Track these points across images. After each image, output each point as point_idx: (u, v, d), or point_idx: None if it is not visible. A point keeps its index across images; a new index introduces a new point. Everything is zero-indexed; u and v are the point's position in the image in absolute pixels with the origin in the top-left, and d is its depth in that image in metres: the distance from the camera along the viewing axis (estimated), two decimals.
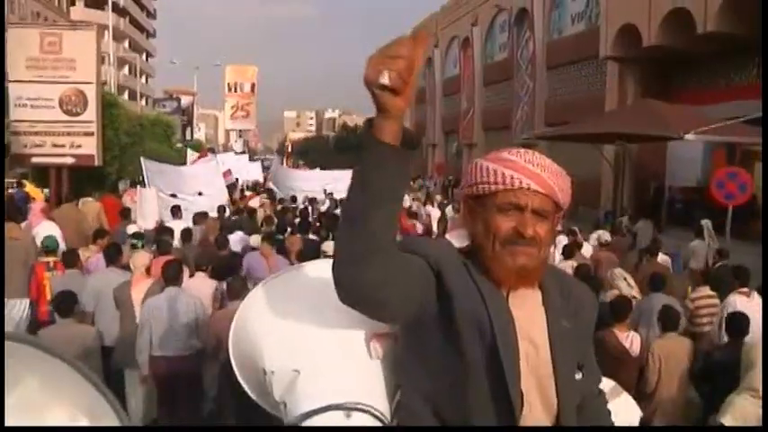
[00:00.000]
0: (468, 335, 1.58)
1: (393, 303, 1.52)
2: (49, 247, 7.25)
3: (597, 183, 20.37)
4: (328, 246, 7.50)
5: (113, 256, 6.72)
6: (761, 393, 4.17)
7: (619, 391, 2.67)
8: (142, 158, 14.64)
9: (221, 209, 12.34)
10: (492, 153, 1.72)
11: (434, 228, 13.43)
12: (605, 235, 9.97)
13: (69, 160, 13.99)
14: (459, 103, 34.37)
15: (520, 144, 26.30)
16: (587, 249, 9.45)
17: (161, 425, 5.52)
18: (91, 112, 13.73)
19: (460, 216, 1.88)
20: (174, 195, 12.74)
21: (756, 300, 6.20)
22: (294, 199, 16.16)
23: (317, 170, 23.76)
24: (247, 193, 18.07)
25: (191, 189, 13.81)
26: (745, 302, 6.08)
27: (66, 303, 5.46)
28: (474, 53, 32.04)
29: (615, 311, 5.40)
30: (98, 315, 6.03)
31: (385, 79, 1.28)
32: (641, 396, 5.03)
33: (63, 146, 13.89)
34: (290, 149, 30.51)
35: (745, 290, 6.33)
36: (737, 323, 5.11)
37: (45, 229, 8.16)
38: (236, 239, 9.23)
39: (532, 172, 1.62)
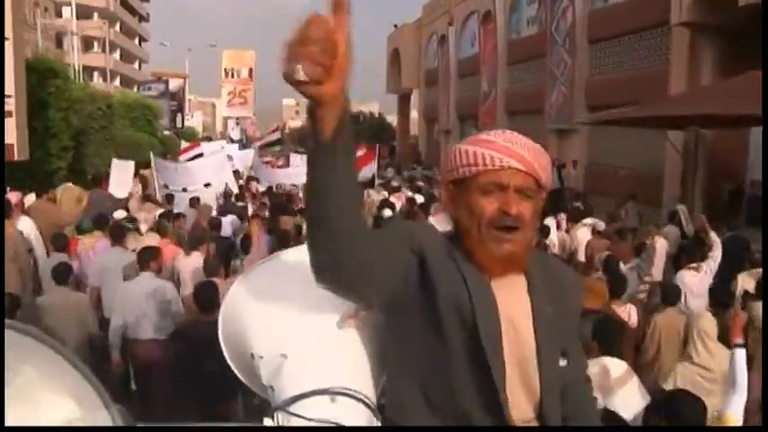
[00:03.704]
0: (450, 321, 1.58)
1: (371, 288, 1.54)
2: (85, 228, 8.14)
3: (658, 176, 16.99)
4: None
5: (118, 236, 7.25)
6: (694, 360, 4.89)
7: (631, 373, 3.83)
8: (152, 156, 14.34)
9: (226, 193, 13.00)
10: (470, 137, 1.73)
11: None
12: (600, 224, 9.99)
13: None
14: (478, 84, 30.77)
15: (555, 130, 23.10)
16: (584, 235, 9.58)
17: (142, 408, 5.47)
18: (7, 83, 9.25)
19: (443, 201, 1.88)
20: (185, 190, 13.01)
21: (702, 272, 6.79)
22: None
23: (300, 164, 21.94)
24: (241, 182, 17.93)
25: (200, 181, 13.82)
26: (691, 276, 6.77)
27: (63, 272, 6.01)
28: (497, 28, 28.43)
29: (611, 289, 5.85)
30: (102, 290, 6.61)
31: (300, 75, 1.18)
32: (639, 366, 5.34)
33: None
34: (273, 139, 27.39)
35: (694, 265, 6.94)
36: (722, 294, 5.94)
37: (23, 224, 8.03)
38: (227, 222, 9.85)
39: (512, 150, 1.63)
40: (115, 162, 14.06)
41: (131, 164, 14.18)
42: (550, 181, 1.72)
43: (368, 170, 15.89)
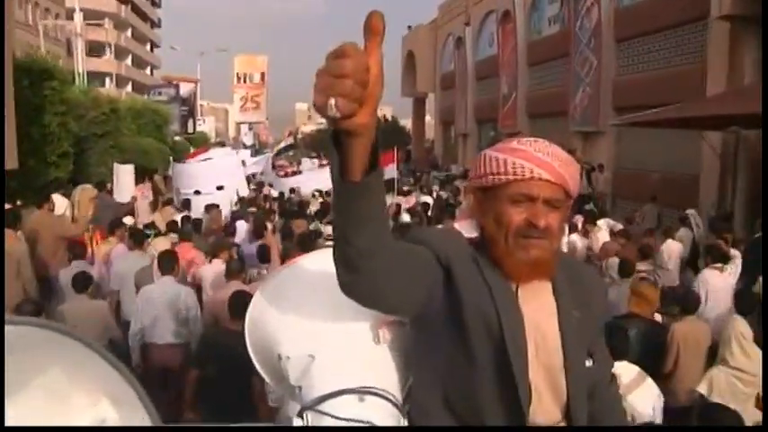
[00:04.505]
0: (476, 331, 1.58)
1: (395, 301, 1.53)
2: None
3: (694, 179, 16.02)
4: (329, 229, 7.83)
5: (138, 240, 7.44)
6: (730, 363, 4.75)
7: (643, 376, 3.79)
8: (172, 161, 13.91)
9: (242, 199, 12.96)
10: (500, 143, 1.71)
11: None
12: (616, 226, 10.02)
13: None
14: (497, 86, 29.84)
15: (580, 133, 22.14)
16: (604, 236, 9.57)
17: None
18: None
19: (470, 207, 1.87)
20: (197, 192, 12.80)
21: (726, 273, 7.00)
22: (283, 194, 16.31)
23: (316, 169, 22.24)
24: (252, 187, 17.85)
25: (212, 184, 13.56)
26: (716, 276, 6.92)
27: (81, 281, 5.99)
28: (517, 28, 27.49)
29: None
30: (122, 294, 6.83)
31: (332, 111, 1.12)
32: (659, 377, 5.14)
33: None
34: (284, 145, 27.17)
35: (718, 265, 7.07)
36: (746, 299, 5.62)
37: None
38: (241, 227, 9.68)
39: (543, 161, 1.61)
40: (117, 167, 13.88)
41: (131, 168, 14.01)
42: (578, 189, 1.69)
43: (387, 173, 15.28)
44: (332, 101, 1.11)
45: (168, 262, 6.09)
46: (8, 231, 7.24)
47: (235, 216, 10.83)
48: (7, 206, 9.04)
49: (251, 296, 5.19)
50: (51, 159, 12.05)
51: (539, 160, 1.61)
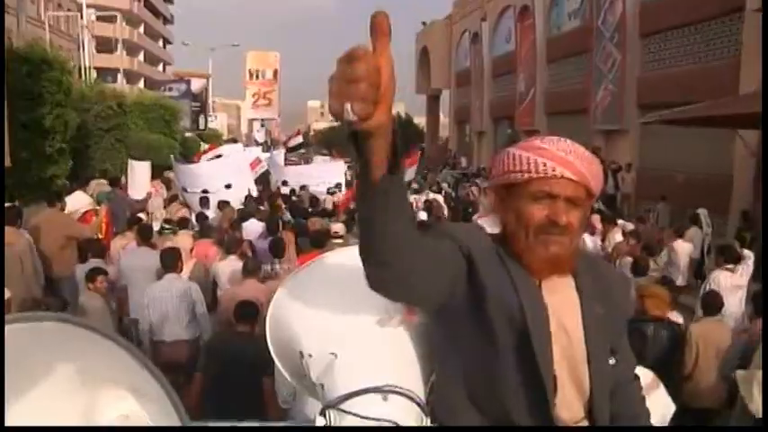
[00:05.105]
0: (500, 322, 1.58)
1: (419, 293, 1.54)
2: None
3: (725, 180, 15.24)
4: (337, 226, 8.00)
5: (145, 236, 7.40)
6: None
7: (656, 383, 3.19)
8: (172, 159, 13.67)
9: (249, 197, 12.71)
10: (523, 141, 1.71)
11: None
12: (628, 226, 10.01)
13: None
14: (514, 83, 29.17)
15: (601, 131, 21.42)
16: (617, 237, 9.57)
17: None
18: None
19: (491, 204, 1.87)
20: (205, 191, 12.62)
21: (738, 274, 6.94)
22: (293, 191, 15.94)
23: (324, 163, 21.71)
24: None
25: (220, 183, 13.26)
26: (728, 277, 6.91)
27: (91, 275, 6.02)
28: (536, 23, 26.76)
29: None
30: (130, 290, 6.70)
31: (350, 116, 1.13)
32: (678, 378, 5.19)
33: None
34: (294, 142, 26.70)
35: (730, 266, 7.04)
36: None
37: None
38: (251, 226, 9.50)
39: (565, 159, 1.62)
40: (131, 163, 13.84)
41: (148, 164, 13.96)
42: (600, 188, 1.68)
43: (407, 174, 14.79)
44: (348, 105, 1.11)
45: (171, 259, 6.04)
46: (9, 228, 6.96)
47: (243, 214, 10.50)
48: (7, 204, 8.50)
49: (255, 305, 5.08)
50: (48, 153, 11.42)
51: (561, 159, 1.61)
